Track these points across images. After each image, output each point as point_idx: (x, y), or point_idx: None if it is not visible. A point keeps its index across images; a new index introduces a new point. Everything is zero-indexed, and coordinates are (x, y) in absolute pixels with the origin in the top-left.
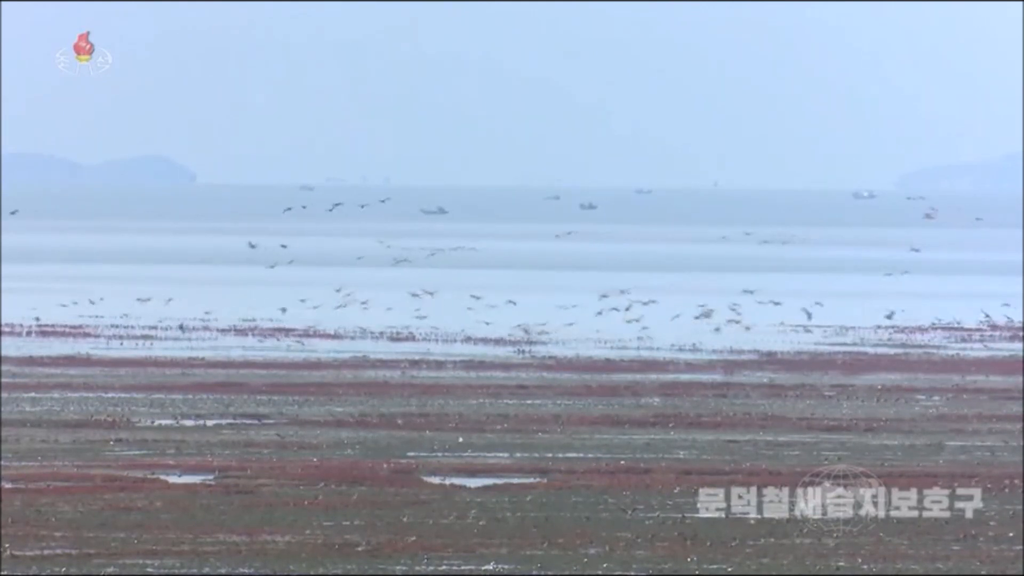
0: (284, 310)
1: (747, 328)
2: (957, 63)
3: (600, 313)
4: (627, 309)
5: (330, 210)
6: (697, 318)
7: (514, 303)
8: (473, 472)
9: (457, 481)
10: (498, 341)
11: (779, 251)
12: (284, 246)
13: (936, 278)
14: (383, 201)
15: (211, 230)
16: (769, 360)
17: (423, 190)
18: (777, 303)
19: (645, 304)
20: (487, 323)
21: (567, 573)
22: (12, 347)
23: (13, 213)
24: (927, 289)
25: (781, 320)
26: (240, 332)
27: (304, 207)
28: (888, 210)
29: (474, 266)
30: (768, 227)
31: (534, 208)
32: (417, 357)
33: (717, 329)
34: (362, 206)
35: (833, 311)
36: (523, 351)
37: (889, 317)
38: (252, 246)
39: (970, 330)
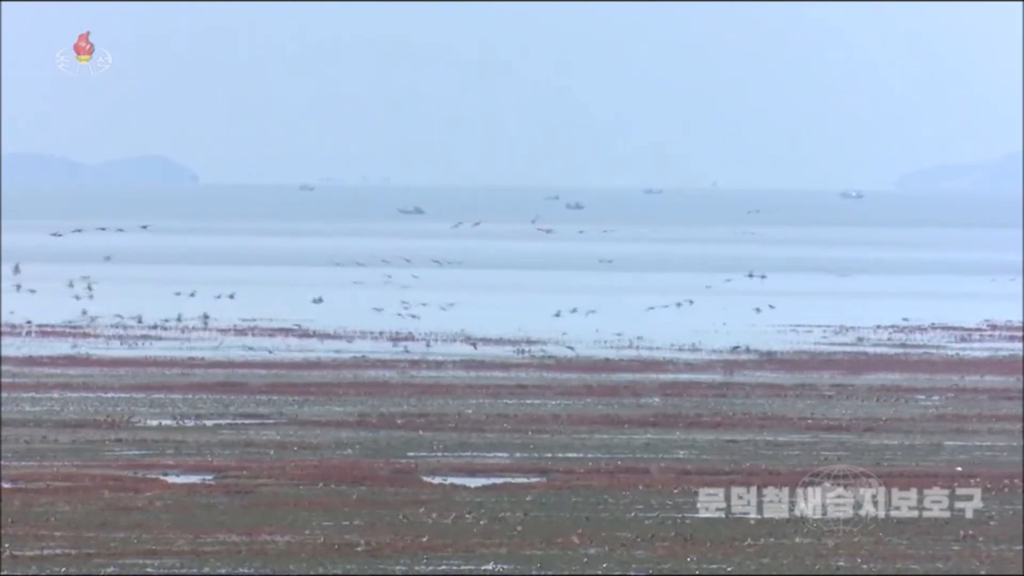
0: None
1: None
2: (957, 63)
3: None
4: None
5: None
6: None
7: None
8: (473, 472)
9: (457, 481)
10: (498, 341)
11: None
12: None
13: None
14: None
15: (213, 230)
16: (769, 360)
17: (423, 190)
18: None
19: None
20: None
21: (567, 573)
22: (12, 347)
23: None
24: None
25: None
26: (240, 332)
27: None
28: (870, 209)
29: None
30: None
31: (525, 208)
32: (417, 357)
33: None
34: None
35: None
36: (523, 351)
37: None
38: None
39: (970, 330)
